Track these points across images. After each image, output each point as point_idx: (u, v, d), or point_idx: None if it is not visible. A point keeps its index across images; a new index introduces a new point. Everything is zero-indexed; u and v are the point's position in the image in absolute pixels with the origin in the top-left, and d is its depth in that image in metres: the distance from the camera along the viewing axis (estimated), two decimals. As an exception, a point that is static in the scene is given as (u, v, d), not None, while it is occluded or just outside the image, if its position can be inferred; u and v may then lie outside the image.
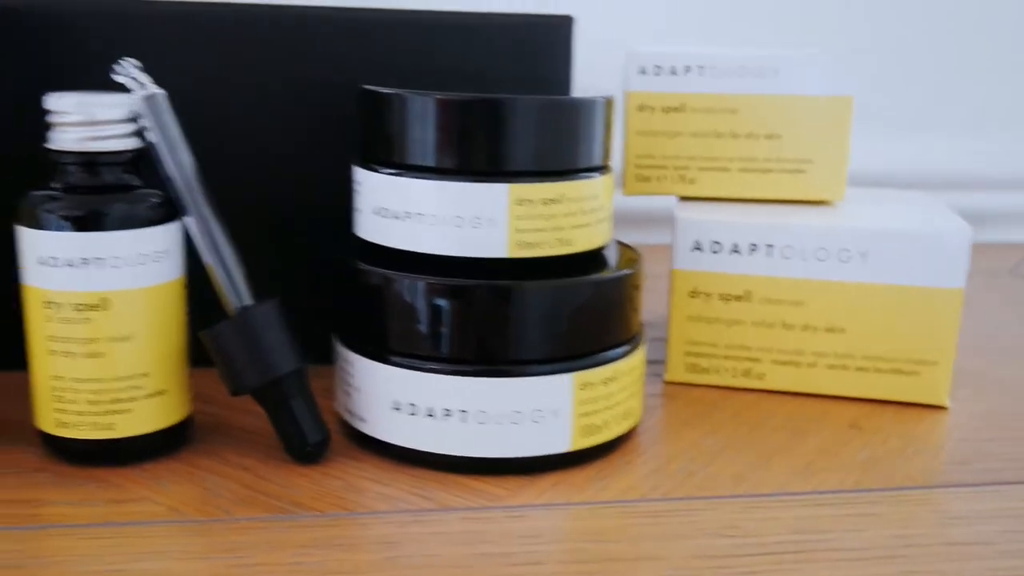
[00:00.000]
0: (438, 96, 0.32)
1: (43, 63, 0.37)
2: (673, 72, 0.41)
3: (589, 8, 0.49)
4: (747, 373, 0.40)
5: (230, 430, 0.35)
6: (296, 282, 0.38)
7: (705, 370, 0.41)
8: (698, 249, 0.39)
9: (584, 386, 0.32)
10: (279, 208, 0.40)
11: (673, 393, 0.40)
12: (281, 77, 0.39)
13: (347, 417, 0.34)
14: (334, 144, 0.39)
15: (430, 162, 0.32)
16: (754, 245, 0.39)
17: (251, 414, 0.36)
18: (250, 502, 0.30)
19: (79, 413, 0.31)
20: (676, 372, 0.41)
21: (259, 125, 0.39)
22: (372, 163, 0.33)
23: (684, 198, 0.42)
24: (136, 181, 0.32)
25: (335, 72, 0.39)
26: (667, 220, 0.40)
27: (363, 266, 0.33)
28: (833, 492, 0.31)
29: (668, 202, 0.42)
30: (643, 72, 0.41)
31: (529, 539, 0.28)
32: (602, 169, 0.34)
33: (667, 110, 0.41)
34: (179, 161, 0.31)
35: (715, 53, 0.40)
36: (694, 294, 0.40)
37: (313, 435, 0.32)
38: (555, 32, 0.41)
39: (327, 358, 0.35)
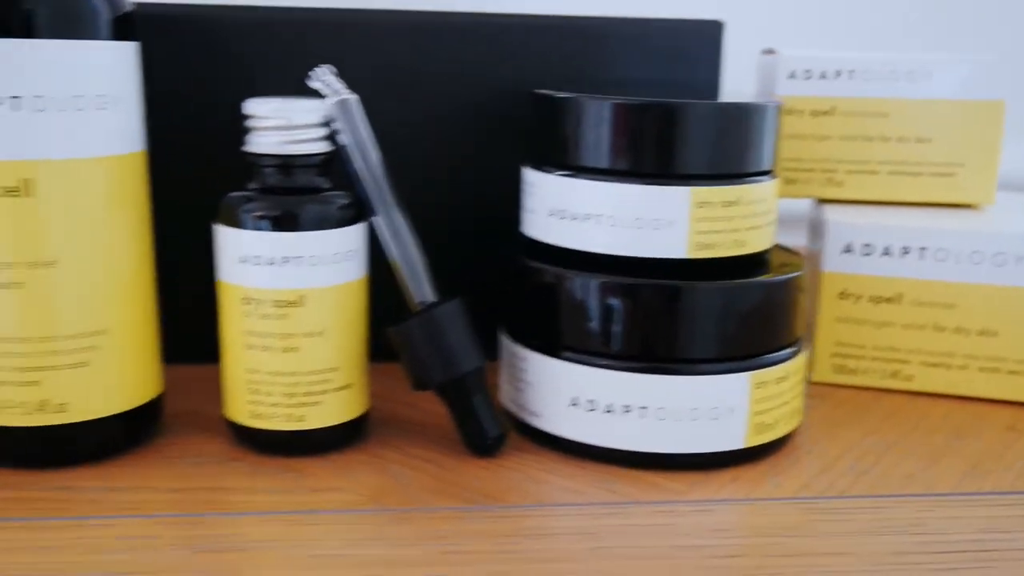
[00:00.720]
0: (620, 101, 0.32)
1: (237, 68, 0.39)
2: (823, 76, 0.41)
3: (716, 12, 0.50)
4: (895, 375, 0.40)
5: (402, 423, 0.36)
6: (459, 280, 0.39)
7: (852, 371, 0.41)
8: (849, 251, 0.40)
9: (760, 385, 0.33)
10: (445, 208, 0.41)
11: (820, 393, 0.40)
12: (446, 81, 0.40)
13: (516, 411, 0.35)
14: (495, 146, 0.40)
15: (609, 165, 0.33)
16: (906, 248, 0.39)
17: (418, 408, 0.37)
18: (442, 492, 0.31)
19: (274, 405, 0.33)
20: (822, 372, 0.41)
21: (420, 127, 0.40)
22: (547, 166, 0.34)
23: (825, 200, 0.43)
24: (326, 183, 0.33)
25: (489, 77, 0.40)
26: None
27: (540, 265, 0.34)
28: (1011, 493, 0.32)
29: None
30: (793, 76, 0.41)
31: (720, 532, 0.29)
32: (771, 173, 0.34)
33: (816, 114, 0.41)
34: (369, 163, 0.33)
35: (866, 57, 0.41)
36: (844, 296, 0.40)
37: (492, 429, 0.33)
38: (705, 37, 0.41)
39: (489, 354, 0.37)
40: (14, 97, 0.29)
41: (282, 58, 0.39)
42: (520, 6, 0.42)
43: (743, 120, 0.33)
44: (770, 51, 0.44)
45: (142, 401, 0.33)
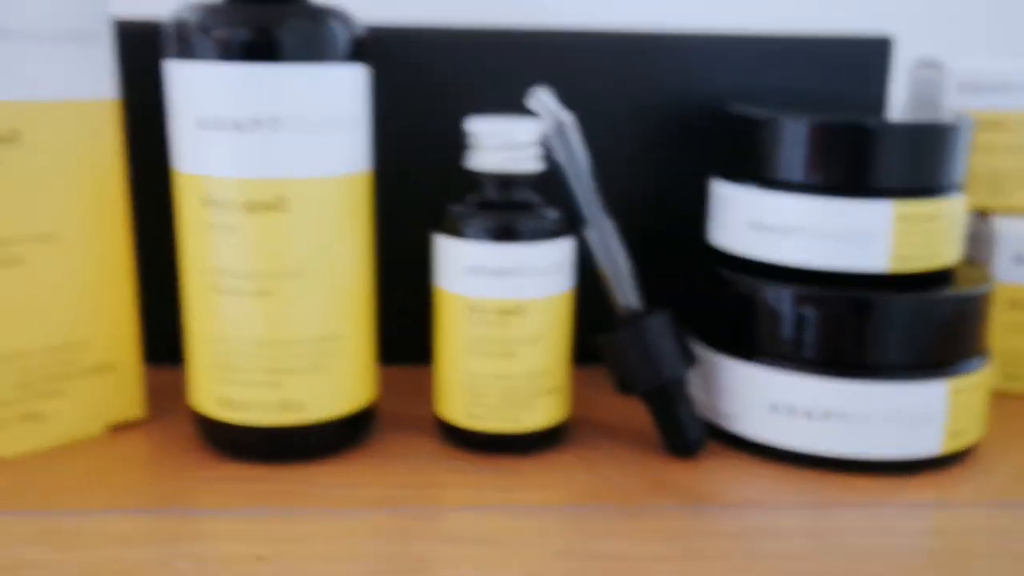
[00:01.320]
0: (825, 120, 0.34)
1: (455, 87, 0.41)
2: (993, 88, 0.42)
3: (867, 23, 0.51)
4: (1063, 382, 0.41)
5: (600, 426, 0.38)
6: (645, 285, 0.40)
7: (1019, 378, 0.42)
8: (1020, 262, 0.41)
9: (957, 392, 0.34)
10: (633, 216, 0.42)
11: (994, 402, 0.41)
12: (634, 95, 0.42)
13: (709, 414, 0.37)
14: (677, 157, 0.42)
15: (809, 180, 0.34)
16: (1079, 258, 0.40)
17: (609, 411, 0.39)
18: (658, 491, 0.33)
19: (491, 407, 0.35)
20: (994, 381, 0.42)
21: (607, 140, 0.42)
22: (742, 179, 0.36)
23: (986, 212, 0.44)
24: (537, 199, 0.35)
25: (668, 90, 0.42)
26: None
27: (738, 276, 0.36)
28: None
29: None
30: (962, 89, 0.42)
31: (937, 534, 0.31)
32: (962, 188, 0.36)
33: (985, 126, 0.42)
34: (582, 179, 0.34)
35: (1036, 71, 0.42)
36: (1014, 305, 0.41)
37: (694, 432, 0.35)
38: (874, 53, 0.43)
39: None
40: (273, 119, 0.31)
41: (496, 77, 0.41)
42: (690, 24, 0.44)
43: (941, 138, 0.34)
44: (930, 63, 0.45)
45: (366, 402, 0.35)
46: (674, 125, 0.42)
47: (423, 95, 0.41)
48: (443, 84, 0.41)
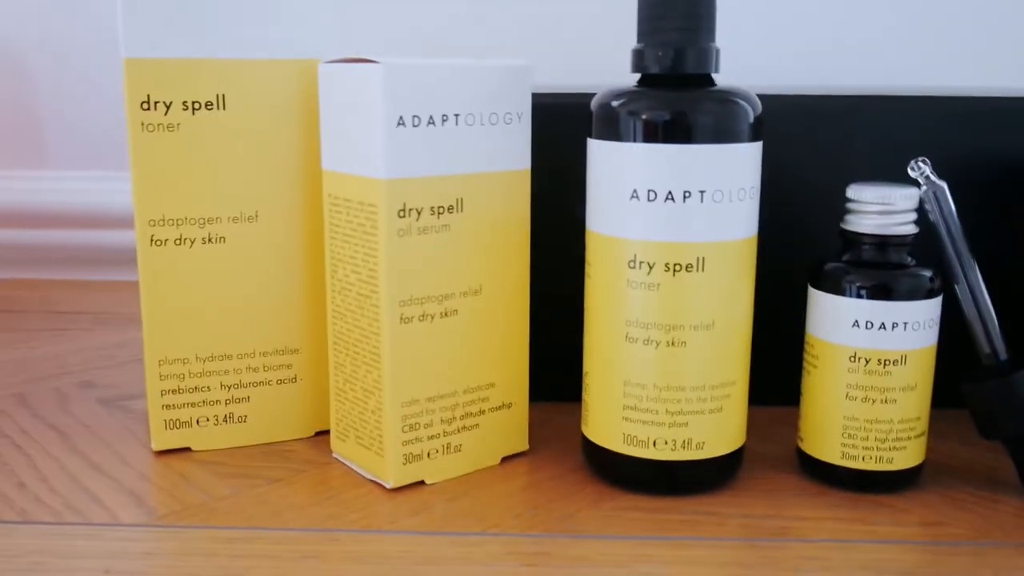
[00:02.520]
0: None
1: (828, 152, 0.45)
2: None
3: None
4: None
5: (939, 464, 0.41)
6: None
7: None
8: None
9: None
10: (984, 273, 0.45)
11: None
12: (978, 160, 0.45)
13: None
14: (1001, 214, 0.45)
15: None
16: None
17: (941, 453, 0.42)
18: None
19: (867, 448, 0.38)
20: None
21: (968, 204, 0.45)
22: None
23: None
24: (911, 260, 0.38)
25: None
26: None
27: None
28: None
29: None
30: None
31: None
32: None
33: None
34: (956, 240, 0.38)
35: None
36: None
37: (1056, 475, 0.38)
38: None
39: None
40: (702, 191, 0.35)
41: (867, 143, 0.45)
42: None
43: None
44: None
45: (743, 441, 0.39)
46: (1011, 186, 0.45)
47: (806, 160, 0.45)
48: (827, 149, 0.45)
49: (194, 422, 0.42)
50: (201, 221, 0.40)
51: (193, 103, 0.39)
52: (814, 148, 0.45)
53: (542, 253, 0.43)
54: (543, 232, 0.42)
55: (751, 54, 0.62)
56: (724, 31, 0.39)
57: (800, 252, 0.41)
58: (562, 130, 0.41)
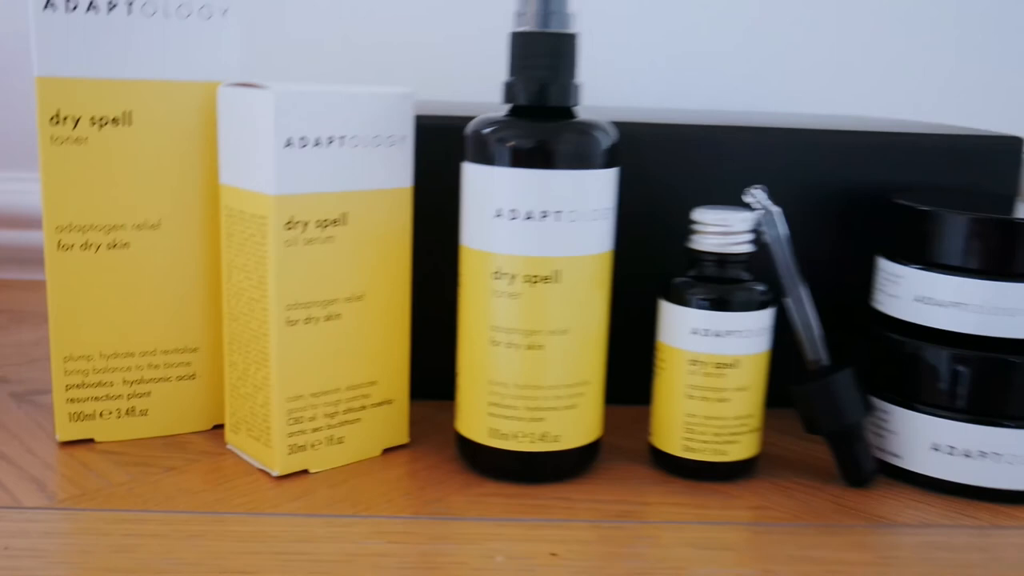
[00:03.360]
0: (982, 216, 0.42)
1: (681, 180, 0.50)
2: (1106, 185, 0.50)
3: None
4: None
5: (783, 459, 0.46)
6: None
7: None
8: None
9: (1089, 440, 0.42)
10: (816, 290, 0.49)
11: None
12: (809, 188, 0.50)
13: (878, 453, 0.45)
14: (838, 237, 0.50)
15: (969, 264, 0.42)
16: None
17: (779, 447, 0.47)
18: (847, 513, 0.41)
19: (704, 442, 0.43)
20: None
21: (797, 226, 0.50)
22: (908, 261, 0.44)
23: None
24: (747, 275, 0.43)
25: (837, 181, 0.50)
26: None
27: (907, 339, 0.44)
28: None
29: None
30: (1080, 184, 0.50)
31: (1078, 554, 0.38)
32: (1090, 270, 0.44)
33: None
34: (786, 258, 0.43)
35: None
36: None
37: (868, 466, 0.43)
38: (1006, 151, 0.51)
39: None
40: (558, 211, 0.40)
41: (708, 171, 0.50)
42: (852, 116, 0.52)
43: (1078, 232, 0.42)
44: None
45: (598, 435, 0.44)
46: (838, 212, 0.50)
47: (662, 186, 0.50)
48: (680, 176, 0.50)
49: (97, 415, 0.45)
50: (106, 228, 0.44)
51: (100, 119, 0.42)
52: (672, 174, 0.50)
53: (429, 264, 0.47)
54: (430, 244, 0.46)
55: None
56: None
57: (661, 267, 0.46)
58: (455, 151, 0.45)
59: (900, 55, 0.75)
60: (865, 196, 0.50)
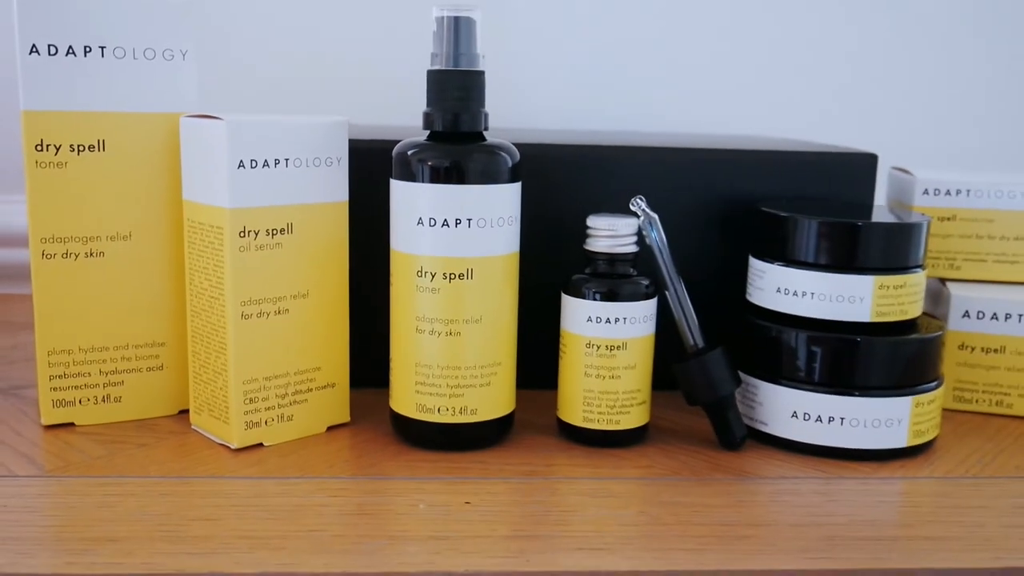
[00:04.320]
0: (831, 220, 0.50)
1: (575, 193, 0.57)
2: (948, 192, 0.59)
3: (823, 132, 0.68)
4: (999, 403, 0.57)
5: (671, 429, 0.54)
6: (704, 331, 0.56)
7: (968, 401, 0.58)
8: (966, 316, 0.57)
9: (918, 404, 0.50)
10: (694, 284, 0.57)
11: (946, 417, 0.57)
12: (693, 198, 0.58)
13: (749, 422, 0.53)
14: (717, 238, 0.58)
15: (818, 260, 0.50)
16: (1008, 314, 0.56)
17: (670, 421, 0.55)
18: (718, 470, 0.49)
19: (600, 413, 0.50)
20: (947, 402, 0.58)
21: (682, 230, 0.58)
22: (771, 259, 0.52)
23: (946, 279, 0.60)
24: (634, 271, 0.51)
25: (715, 190, 0.58)
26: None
27: (771, 324, 0.52)
28: (1087, 477, 0.49)
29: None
30: (925, 192, 0.59)
31: (905, 496, 0.46)
32: (923, 266, 0.52)
33: (942, 219, 0.59)
34: (665, 257, 0.51)
35: (978, 180, 0.58)
36: (962, 347, 0.57)
37: (739, 432, 0.51)
38: (862, 165, 0.59)
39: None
40: (469, 219, 0.47)
41: (605, 185, 0.58)
42: (731, 134, 0.60)
43: (909, 231, 0.51)
44: (903, 170, 0.61)
45: (511, 409, 0.51)
46: (719, 218, 0.58)
47: (561, 198, 0.57)
48: (574, 190, 0.57)
49: (77, 402, 0.52)
50: (84, 239, 0.50)
51: (79, 146, 0.49)
52: (571, 187, 0.58)
53: (370, 266, 0.54)
54: (366, 248, 0.54)
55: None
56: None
57: (563, 265, 0.54)
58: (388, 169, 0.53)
59: (782, 79, 0.84)
60: (740, 205, 0.58)
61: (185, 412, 0.54)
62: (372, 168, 0.53)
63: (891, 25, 0.84)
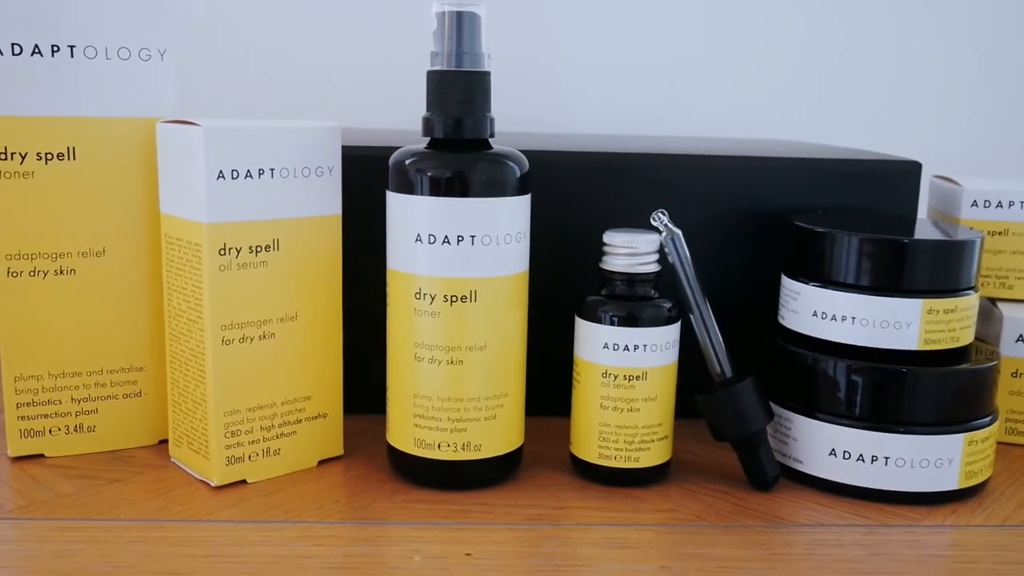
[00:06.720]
0: (874, 236, 0.45)
1: (593, 204, 0.53)
2: (999, 204, 0.54)
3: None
4: (1057, 436, 0.52)
5: (694, 465, 0.49)
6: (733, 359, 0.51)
7: (1021, 432, 0.53)
8: (1020, 340, 0.52)
9: (971, 442, 0.45)
10: (720, 306, 0.52)
11: (998, 450, 0.52)
12: (720, 211, 0.54)
13: (781, 458, 0.48)
14: (745, 256, 0.54)
15: (861, 281, 0.45)
16: (1067, 339, 0.51)
17: (694, 454, 0.50)
18: (748, 515, 0.44)
19: (618, 449, 0.46)
20: (998, 434, 0.53)
21: (708, 247, 0.53)
22: (806, 278, 0.47)
23: (997, 299, 0.55)
24: (655, 293, 0.46)
25: (746, 204, 0.53)
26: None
27: (807, 351, 0.47)
28: None
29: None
30: (974, 204, 0.54)
31: (957, 547, 0.41)
32: (975, 287, 0.47)
33: (992, 233, 0.54)
34: (690, 277, 0.46)
35: (1033, 191, 0.53)
36: (1016, 375, 0.52)
37: (771, 471, 0.46)
38: (906, 174, 0.54)
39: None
40: (473, 235, 0.43)
41: (623, 197, 0.53)
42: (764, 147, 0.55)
43: (961, 250, 0.46)
44: (947, 179, 0.56)
45: (519, 444, 0.46)
46: (748, 233, 0.54)
47: (575, 211, 0.53)
48: (591, 202, 0.53)
49: (47, 431, 0.48)
50: (53, 255, 0.46)
51: (46, 154, 0.45)
52: (586, 199, 0.53)
53: (366, 286, 0.50)
54: (362, 266, 0.49)
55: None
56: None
57: (577, 286, 0.49)
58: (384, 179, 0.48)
59: (818, 80, 0.79)
60: (771, 218, 0.53)
61: (165, 442, 0.50)
62: (367, 179, 0.49)
63: (911, 28, 0.79)
